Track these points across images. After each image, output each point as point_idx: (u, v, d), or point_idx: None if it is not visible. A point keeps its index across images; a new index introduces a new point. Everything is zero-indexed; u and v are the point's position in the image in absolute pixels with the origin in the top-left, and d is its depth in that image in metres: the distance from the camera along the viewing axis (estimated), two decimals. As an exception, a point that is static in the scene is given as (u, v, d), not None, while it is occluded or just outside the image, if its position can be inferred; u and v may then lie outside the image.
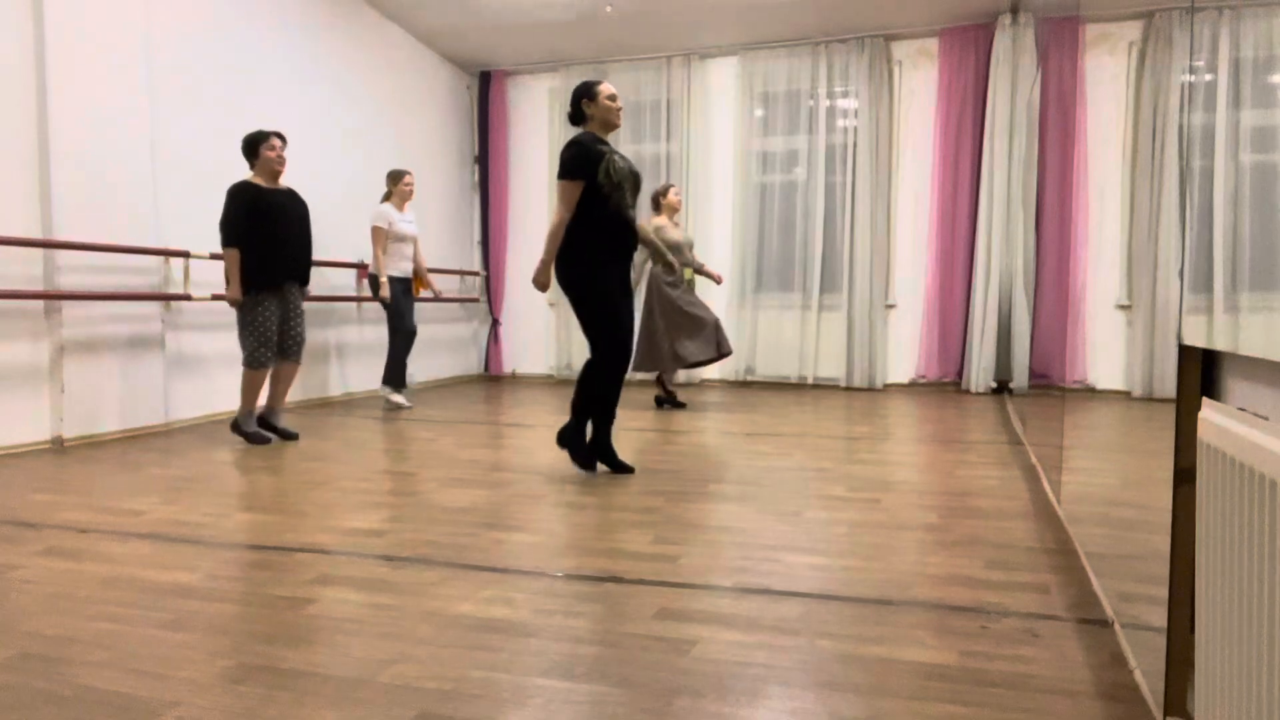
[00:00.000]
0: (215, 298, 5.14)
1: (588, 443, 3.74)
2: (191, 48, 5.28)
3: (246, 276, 4.32)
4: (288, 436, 4.62)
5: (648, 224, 5.87)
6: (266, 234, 4.36)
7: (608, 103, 3.63)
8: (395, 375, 6.03)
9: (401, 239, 5.94)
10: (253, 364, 4.40)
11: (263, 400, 4.69)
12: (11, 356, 4.27)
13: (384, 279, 5.79)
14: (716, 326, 5.89)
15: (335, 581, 2.28)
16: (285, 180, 4.59)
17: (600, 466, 3.78)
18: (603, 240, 3.57)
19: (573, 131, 3.91)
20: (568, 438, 3.72)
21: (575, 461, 3.72)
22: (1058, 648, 1.83)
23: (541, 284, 3.60)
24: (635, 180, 3.68)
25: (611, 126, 3.68)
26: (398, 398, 6.04)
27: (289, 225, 4.48)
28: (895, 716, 1.53)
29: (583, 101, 3.64)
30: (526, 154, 8.49)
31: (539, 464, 3.95)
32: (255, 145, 4.44)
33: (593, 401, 3.65)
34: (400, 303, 5.93)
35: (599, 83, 3.66)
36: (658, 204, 6.01)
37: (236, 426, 4.52)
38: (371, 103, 7.03)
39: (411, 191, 6.06)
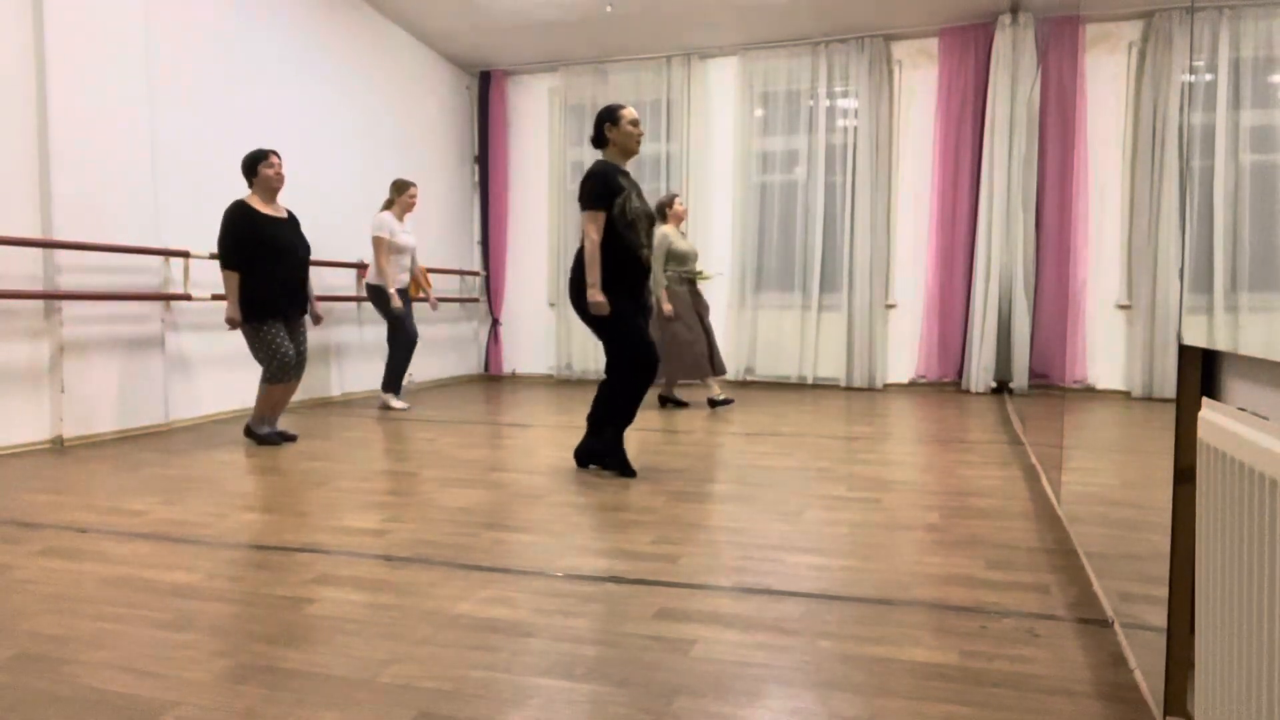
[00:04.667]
0: (215, 298, 5.14)
1: (578, 447, 3.82)
2: (191, 48, 5.28)
3: (246, 305, 4.31)
4: (286, 439, 4.61)
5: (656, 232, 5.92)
6: (265, 267, 4.33)
7: (630, 128, 3.66)
8: (394, 382, 6.04)
9: (401, 250, 5.94)
10: (274, 380, 4.41)
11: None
12: (11, 356, 4.27)
13: (392, 290, 5.79)
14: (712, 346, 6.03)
15: (335, 581, 2.28)
16: (285, 181, 4.57)
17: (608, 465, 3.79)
18: (614, 270, 3.59)
19: (587, 146, 3.93)
20: (586, 454, 3.76)
21: (613, 470, 3.72)
22: (1058, 648, 1.83)
23: (601, 310, 3.55)
24: (650, 220, 3.73)
25: (631, 153, 3.72)
26: (397, 403, 6.04)
27: (288, 257, 4.43)
28: (895, 716, 1.53)
29: (605, 125, 3.68)
30: (526, 154, 8.49)
31: (539, 464, 3.95)
32: (255, 164, 4.41)
33: (616, 415, 3.68)
34: (402, 310, 5.93)
35: (622, 107, 3.69)
36: (664, 214, 6.00)
37: (250, 431, 4.54)
38: (371, 103, 7.03)
39: (414, 204, 6.04)
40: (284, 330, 4.43)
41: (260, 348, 4.38)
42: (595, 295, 3.54)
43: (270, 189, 4.44)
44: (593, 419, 3.76)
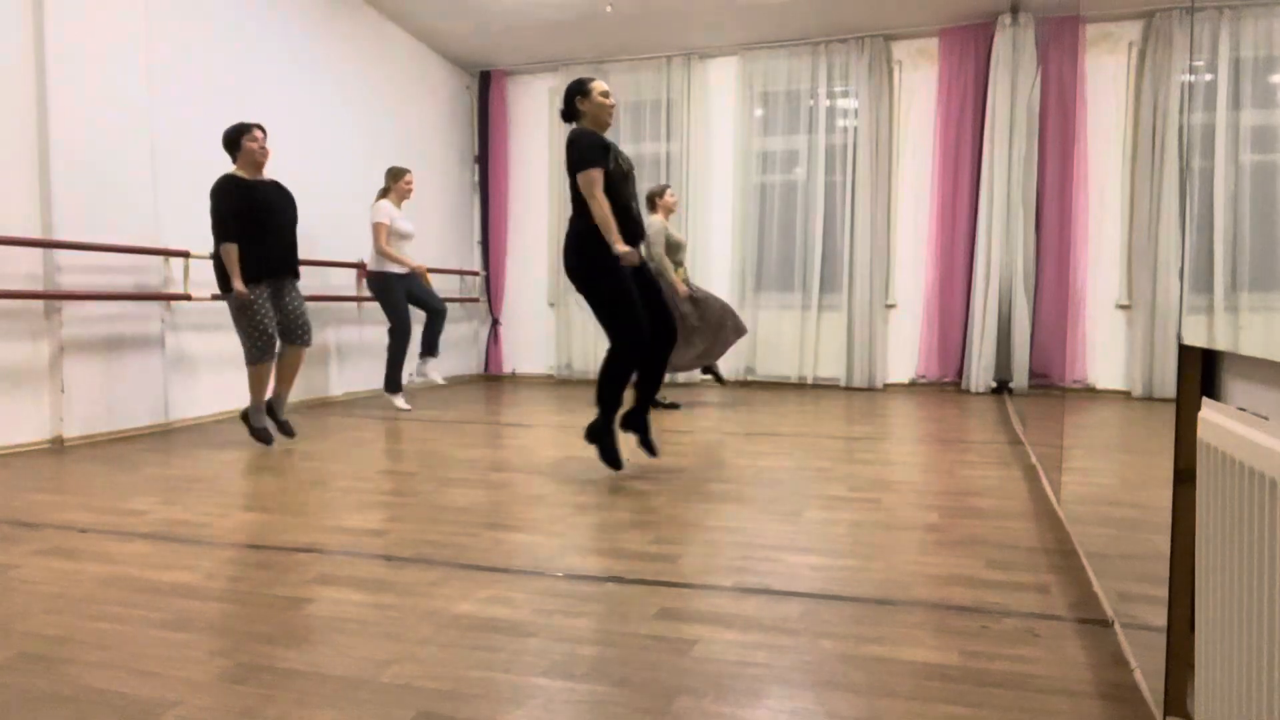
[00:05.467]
0: (215, 298, 5.13)
1: (624, 411, 3.74)
2: (191, 47, 5.28)
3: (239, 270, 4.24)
4: (286, 432, 4.53)
5: (648, 223, 5.91)
6: (255, 230, 4.27)
7: (601, 99, 3.61)
8: (393, 380, 6.00)
9: (403, 237, 5.92)
10: (255, 359, 4.33)
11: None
12: (11, 356, 4.27)
13: (403, 259, 5.80)
14: (721, 320, 5.98)
15: (335, 581, 2.28)
16: (286, 180, 4.57)
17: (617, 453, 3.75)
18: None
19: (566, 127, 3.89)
20: (596, 434, 3.63)
21: (603, 460, 3.63)
22: (1058, 648, 1.83)
23: (633, 260, 3.50)
24: (633, 171, 3.71)
25: (604, 124, 3.65)
26: (400, 402, 6.01)
27: (278, 220, 4.38)
28: (895, 716, 1.53)
29: (576, 98, 3.62)
30: (526, 154, 8.49)
31: (539, 464, 3.95)
32: (237, 138, 4.33)
33: (618, 393, 3.59)
34: (398, 301, 5.89)
35: (592, 79, 3.64)
36: (654, 204, 6.01)
37: (245, 418, 4.47)
38: (371, 103, 7.03)
39: (410, 190, 6.03)
40: (269, 302, 4.35)
41: (244, 321, 4.28)
42: (621, 246, 3.45)
43: (255, 163, 4.35)
44: (639, 395, 3.72)
